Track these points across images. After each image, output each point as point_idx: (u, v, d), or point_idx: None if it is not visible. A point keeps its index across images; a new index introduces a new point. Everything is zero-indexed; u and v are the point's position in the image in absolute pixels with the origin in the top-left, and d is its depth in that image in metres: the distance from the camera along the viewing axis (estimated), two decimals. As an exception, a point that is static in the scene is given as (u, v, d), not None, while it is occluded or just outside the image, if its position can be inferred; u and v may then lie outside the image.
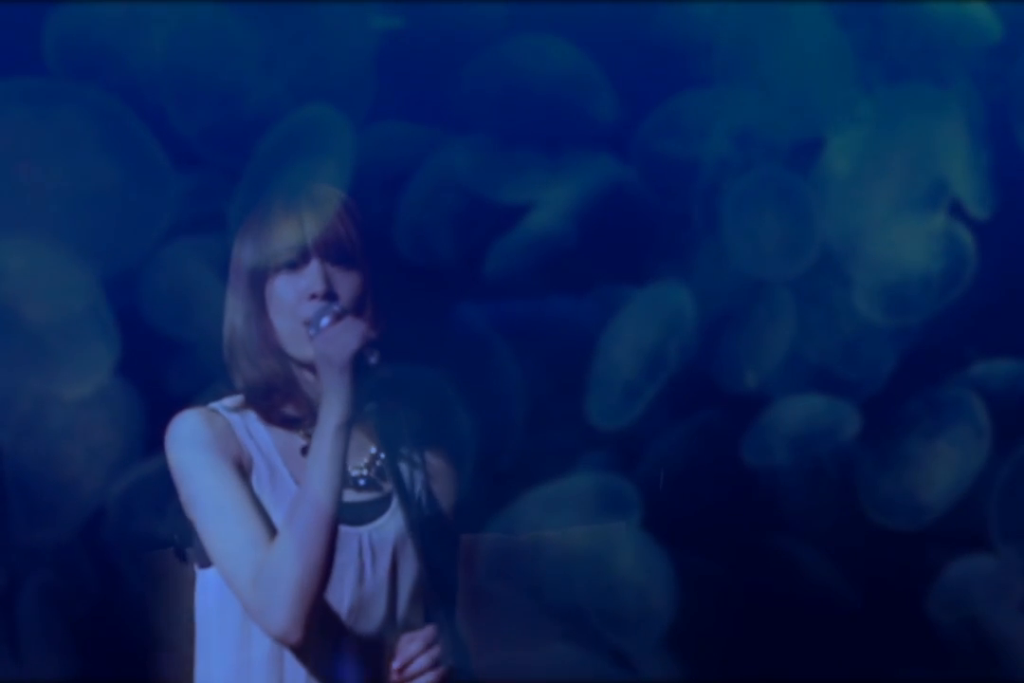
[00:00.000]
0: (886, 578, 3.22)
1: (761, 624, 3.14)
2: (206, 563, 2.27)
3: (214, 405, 2.32)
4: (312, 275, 2.27)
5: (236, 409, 2.32)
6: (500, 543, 2.49)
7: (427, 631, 2.24)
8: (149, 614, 2.59)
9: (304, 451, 2.31)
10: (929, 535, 3.13)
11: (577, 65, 2.90)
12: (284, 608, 2.15)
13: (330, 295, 2.26)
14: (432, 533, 2.31)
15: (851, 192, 2.84)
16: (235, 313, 2.32)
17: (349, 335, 2.20)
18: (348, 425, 2.21)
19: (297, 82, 2.57)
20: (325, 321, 2.24)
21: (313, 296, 2.27)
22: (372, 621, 2.29)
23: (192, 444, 2.25)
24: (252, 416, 2.32)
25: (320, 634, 2.23)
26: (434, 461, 2.38)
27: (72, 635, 2.82)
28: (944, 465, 3.01)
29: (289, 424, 2.33)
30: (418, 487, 2.35)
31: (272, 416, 2.32)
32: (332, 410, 2.21)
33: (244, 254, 2.31)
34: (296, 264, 2.28)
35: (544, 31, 2.94)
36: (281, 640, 2.18)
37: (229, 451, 2.26)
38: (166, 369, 2.69)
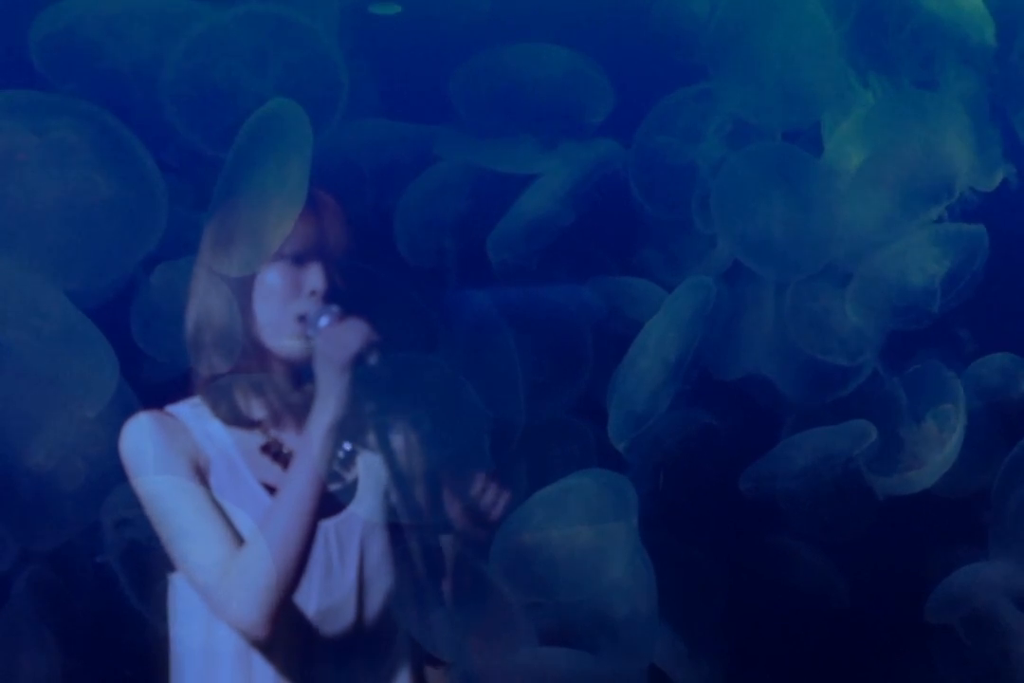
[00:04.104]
0: (886, 578, 3.23)
1: (761, 623, 3.14)
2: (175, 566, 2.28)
3: (169, 407, 2.32)
4: (316, 272, 2.26)
5: (193, 409, 2.31)
6: (503, 543, 2.50)
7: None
8: (144, 613, 2.57)
9: (264, 449, 2.32)
10: (927, 533, 3.15)
11: (572, 61, 2.88)
12: (256, 604, 2.15)
13: (330, 294, 2.25)
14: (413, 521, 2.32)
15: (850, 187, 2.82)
16: (213, 298, 2.30)
17: (351, 336, 2.21)
18: (340, 426, 2.21)
19: (288, 81, 2.54)
20: (324, 321, 2.24)
21: (313, 293, 2.26)
22: (341, 614, 2.30)
23: (145, 447, 2.25)
24: (209, 416, 2.32)
25: (288, 630, 2.23)
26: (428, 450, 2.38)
27: (68, 633, 2.81)
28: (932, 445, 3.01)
29: (247, 423, 2.32)
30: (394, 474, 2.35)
31: (230, 415, 2.31)
32: (326, 410, 2.21)
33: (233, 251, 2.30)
34: (302, 258, 2.27)
35: (537, 26, 2.92)
36: (248, 635, 2.18)
37: (184, 452, 2.26)
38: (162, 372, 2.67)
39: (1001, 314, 3.19)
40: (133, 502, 2.35)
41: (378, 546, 2.33)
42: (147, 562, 2.43)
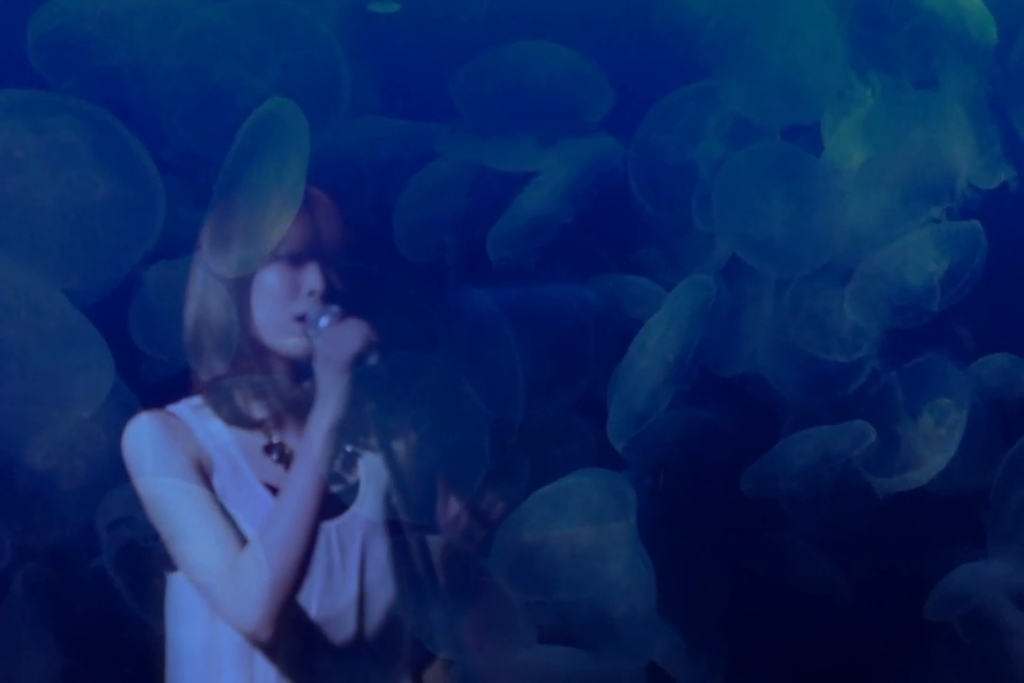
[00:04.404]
0: (886, 575, 3.22)
1: (760, 620, 3.14)
2: (175, 567, 2.27)
3: (171, 407, 2.31)
4: (313, 272, 2.26)
5: (194, 410, 2.31)
6: (503, 542, 2.50)
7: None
8: (140, 614, 2.57)
9: (266, 450, 2.31)
10: (927, 531, 3.14)
11: (572, 60, 2.88)
12: (259, 605, 2.15)
13: (328, 295, 2.25)
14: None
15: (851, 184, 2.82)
16: (211, 299, 2.30)
17: (351, 336, 2.21)
18: (341, 427, 2.21)
19: (287, 79, 2.53)
20: (324, 321, 2.23)
21: (311, 293, 2.25)
22: (343, 616, 2.29)
23: (148, 447, 2.24)
24: (211, 416, 2.31)
25: (289, 632, 2.22)
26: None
27: (66, 631, 2.81)
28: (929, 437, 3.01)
29: (249, 424, 2.31)
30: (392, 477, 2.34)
31: (233, 417, 2.30)
32: (327, 411, 2.20)
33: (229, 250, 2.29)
34: (299, 259, 2.26)
35: (537, 24, 2.92)
36: (252, 637, 2.18)
37: (187, 452, 2.26)
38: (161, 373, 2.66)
39: (1001, 314, 3.19)
40: (129, 503, 2.35)
41: (380, 548, 2.32)
42: (143, 563, 2.43)
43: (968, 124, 2.80)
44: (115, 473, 2.38)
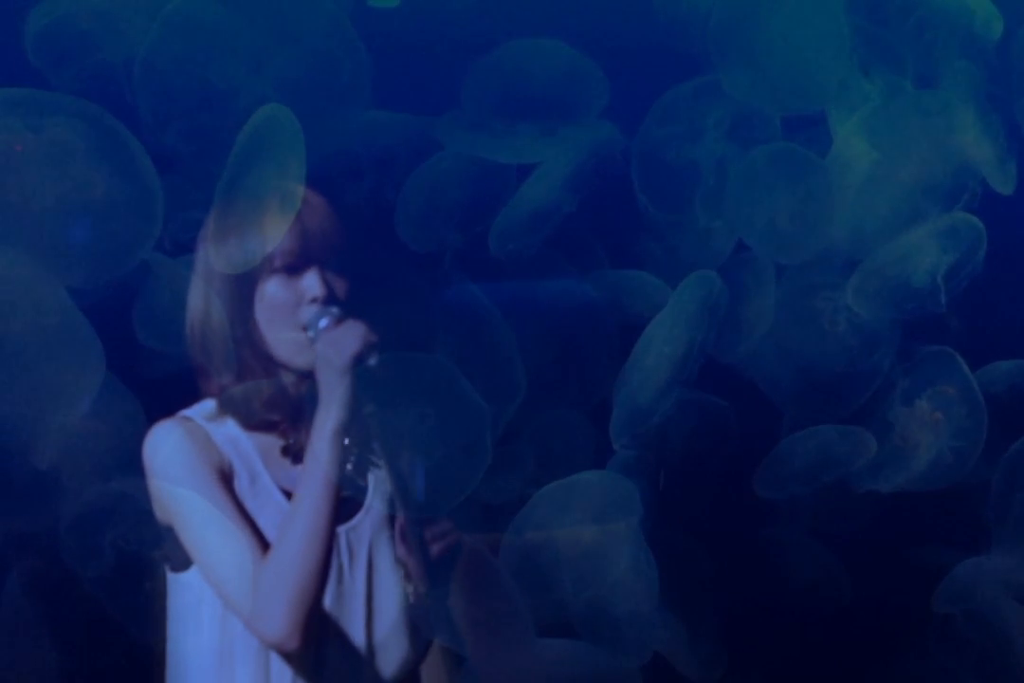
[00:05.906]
0: (886, 568, 3.23)
1: (760, 611, 3.14)
2: (179, 567, 2.26)
3: (188, 413, 2.31)
4: (312, 279, 2.25)
5: (212, 416, 2.30)
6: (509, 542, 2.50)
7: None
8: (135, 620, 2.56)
9: (284, 451, 2.30)
10: (927, 525, 3.15)
11: (572, 56, 2.87)
12: (283, 615, 2.15)
13: (329, 299, 2.24)
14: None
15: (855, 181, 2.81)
16: (214, 313, 2.29)
17: (350, 337, 2.20)
18: (345, 429, 2.20)
19: (286, 75, 2.52)
20: (324, 323, 2.23)
21: (314, 300, 2.24)
22: (352, 620, 2.29)
23: (172, 454, 2.23)
24: (229, 421, 2.30)
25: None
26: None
27: (65, 629, 2.80)
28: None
29: (266, 427, 2.31)
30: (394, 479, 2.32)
31: (249, 421, 2.29)
32: (330, 414, 2.20)
33: (230, 253, 2.28)
34: (296, 268, 2.25)
35: (536, 17, 2.91)
36: (278, 647, 2.18)
37: (210, 459, 2.25)
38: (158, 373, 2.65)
39: (1002, 314, 3.19)
40: (120, 505, 2.34)
41: (386, 549, 2.32)
42: (135, 566, 2.43)
43: (973, 120, 2.79)
44: (109, 474, 2.38)
